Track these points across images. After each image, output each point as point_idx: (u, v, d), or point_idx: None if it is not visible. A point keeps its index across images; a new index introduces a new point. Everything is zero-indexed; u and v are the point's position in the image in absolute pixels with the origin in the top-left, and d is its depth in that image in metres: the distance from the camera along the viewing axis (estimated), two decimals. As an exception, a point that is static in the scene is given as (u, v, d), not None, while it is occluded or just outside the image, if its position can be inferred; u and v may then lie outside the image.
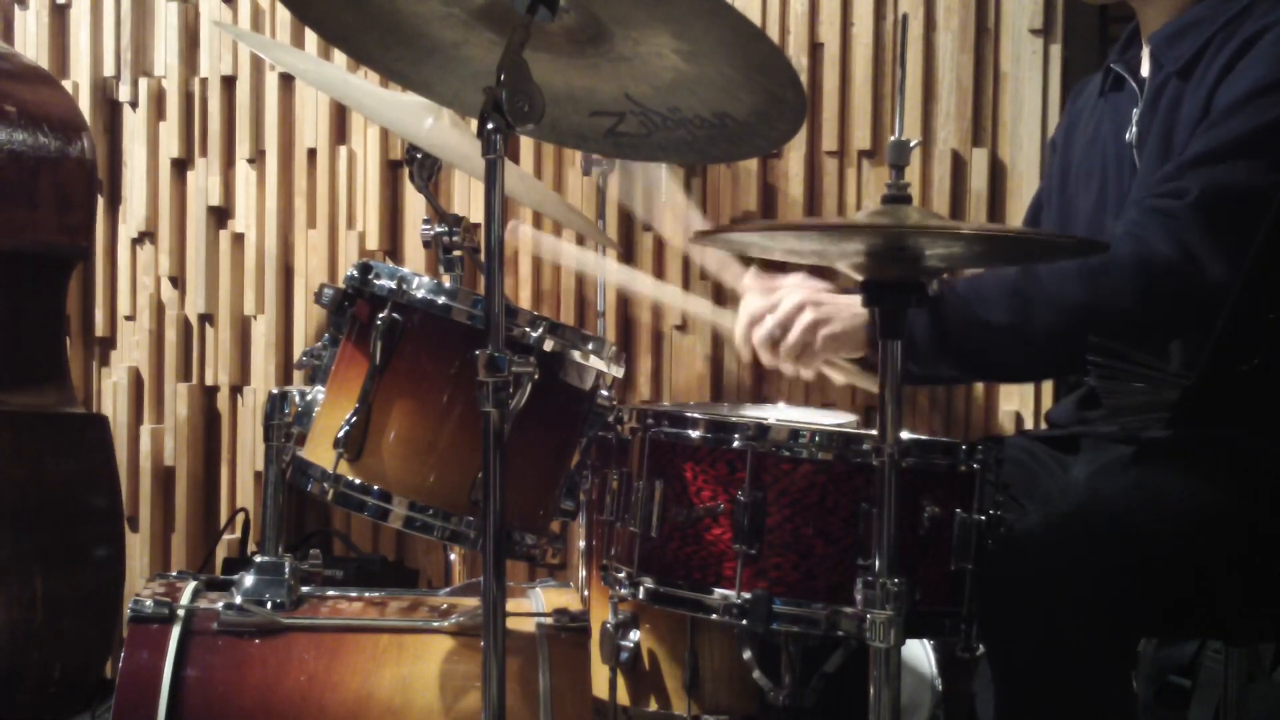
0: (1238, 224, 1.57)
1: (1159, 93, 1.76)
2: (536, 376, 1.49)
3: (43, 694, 2.53)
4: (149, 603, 1.68)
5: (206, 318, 3.00)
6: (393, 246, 2.88)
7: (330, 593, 1.83)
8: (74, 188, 2.62)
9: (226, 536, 2.90)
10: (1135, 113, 1.80)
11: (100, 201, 3.03)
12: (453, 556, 2.41)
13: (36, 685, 2.52)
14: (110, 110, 3.05)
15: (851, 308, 1.73)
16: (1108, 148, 1.86)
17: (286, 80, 2.92)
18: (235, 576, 1.77)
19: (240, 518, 2.90)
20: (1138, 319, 1.63)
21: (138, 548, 3.02)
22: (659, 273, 2.71)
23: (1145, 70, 1.83)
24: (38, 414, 2.59)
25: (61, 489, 2.59)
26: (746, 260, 2.10)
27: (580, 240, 2.73)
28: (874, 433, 1.40)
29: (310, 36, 2.83)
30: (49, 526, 2.55)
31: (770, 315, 1.77)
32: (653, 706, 1.94)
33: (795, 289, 1.78)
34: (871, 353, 1.77)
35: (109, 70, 3.03)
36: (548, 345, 1.66)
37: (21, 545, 2.49)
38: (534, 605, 1.81)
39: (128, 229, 3.03)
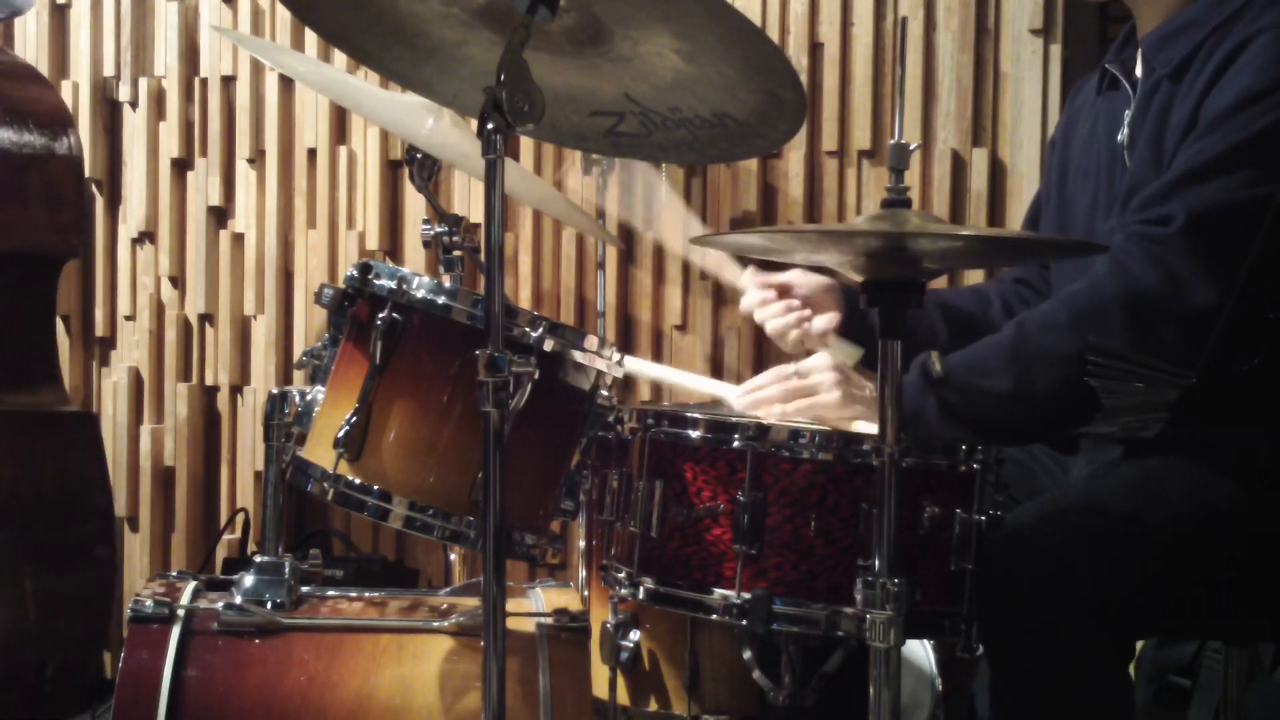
0: (1225, 245, 1.56)
1: (1150, 95, 1.76)
2: (536, 376, 1.49)
3: (37, 693, 2.53)
4: (149, 603, 1.67)
5: (206, 318, 3.00)
6: (393, 246, 2.88)
7: (330, 593, 1.82)
8: (64, 185, 2.62)
9: (226, 536, 2.91)
10: (1127, 114, 1.80)
11: (100, 201, 3.04)
12: (453, 556, 2.41)
13: (31, 685, 2.52)
14: (110, 110, 3.05)
15: (870, 390, 1.71)
16: (1102, 147, 1.86)
17: (286, 80, 2.92)
18: (235, 576, 1.77)
19: (240, 518, 2.90)
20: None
21: (138, 548, 3.03)
22: (659, 272, 2.71)
23: (1139, 71, 1.83)
24: (30, 413, 2.59)
25: (53, 488, 2.60)
26: (744, 260, 2.10)
27: (581, 239, 2.74)
28: (874, 432, 1.41)
29: (310, 37, 2.83)
30: (41, 525, 2.55)
31: (800, 365, 1.75)
32: (653, 706, 1.94)
33: (833, 366, 1.74)
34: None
35: (109, 70, 3.03)
36: (548, 345, 1.66)
37: (13, 544, 2.49)
38: (534, 605, 1.81)
39: (128, 229, 3.04)
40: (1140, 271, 1.60)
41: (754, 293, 2.01)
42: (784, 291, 2.00)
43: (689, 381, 2.13)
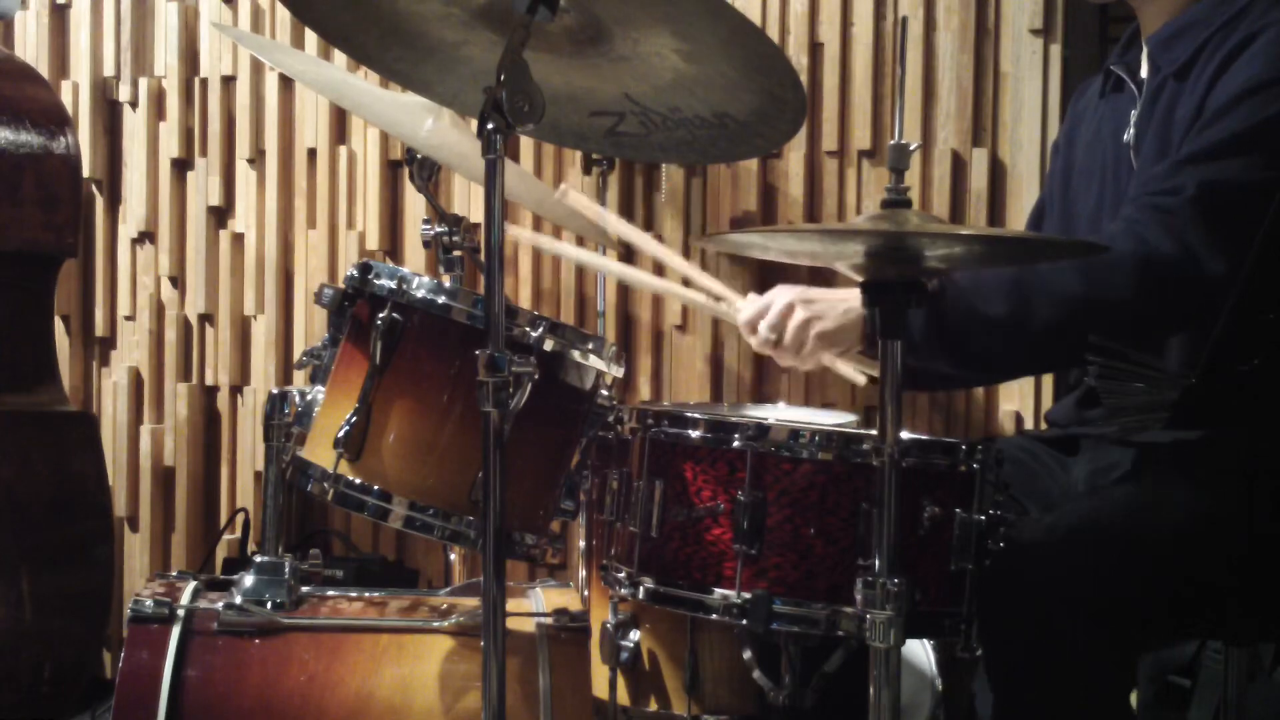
0: (1234, 220, 1.57)
1: (1156, 95, 1.76)
2: (536, 376, 1.49)
3: (34, 693, 2.53)
4: (149, 603, 1.68)
5: (206, 318, 3.00)
6: (393, 246, 2.88)
7: (330, 593, 1.83)
8: (59, 185, 2.61)
9: (226, 536, 2.90)
10: (1133, 114, 1.80)
11: (100, 201, 3.03)
12: (453, 556, 2.41)
13: (28, 685, 2.52)
14: (110, 110, 3.05)
15: (843, 304, 1.73)
16: (1106, 149, 1.86)
17: (286, 80, 2.92)
18: (235, 576, 1.77)
19: (240, 518, 2.90)
20: (1135, 312, 1.63)
21: (138, 548, 3.02)
22: (659, 273, 2.70)
23: (1144, 72, 1.83)
24: (26, 413, 2.58)
25: (50, 487, 2.59)
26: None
27: (580, 241, 2.74)
28: (874, 433, 1.41)
29: (310, 37, 2.83)
30: (37, 525, 2.55)
31: (763, 320, 1.78)
32: (653, 706, 1.94)
33: (786, 289, 1.78)
34: (867, 345, 1.78)
35: (109, 70, 3.03)
36: (548, 345, 1.66)
37: (9, 544, 2.48)
38: (534, 605, 1.81)
39: (128, 229, 3.03)
40: (1154, 238, 1.61)
41: (744, 315, 2.01)
42: None
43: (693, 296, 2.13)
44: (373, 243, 2.86)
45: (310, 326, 2.91)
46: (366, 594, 1.85)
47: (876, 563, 1.36)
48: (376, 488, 1.67)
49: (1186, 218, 1.60)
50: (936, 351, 1.67)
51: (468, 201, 2.81)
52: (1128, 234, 1.63)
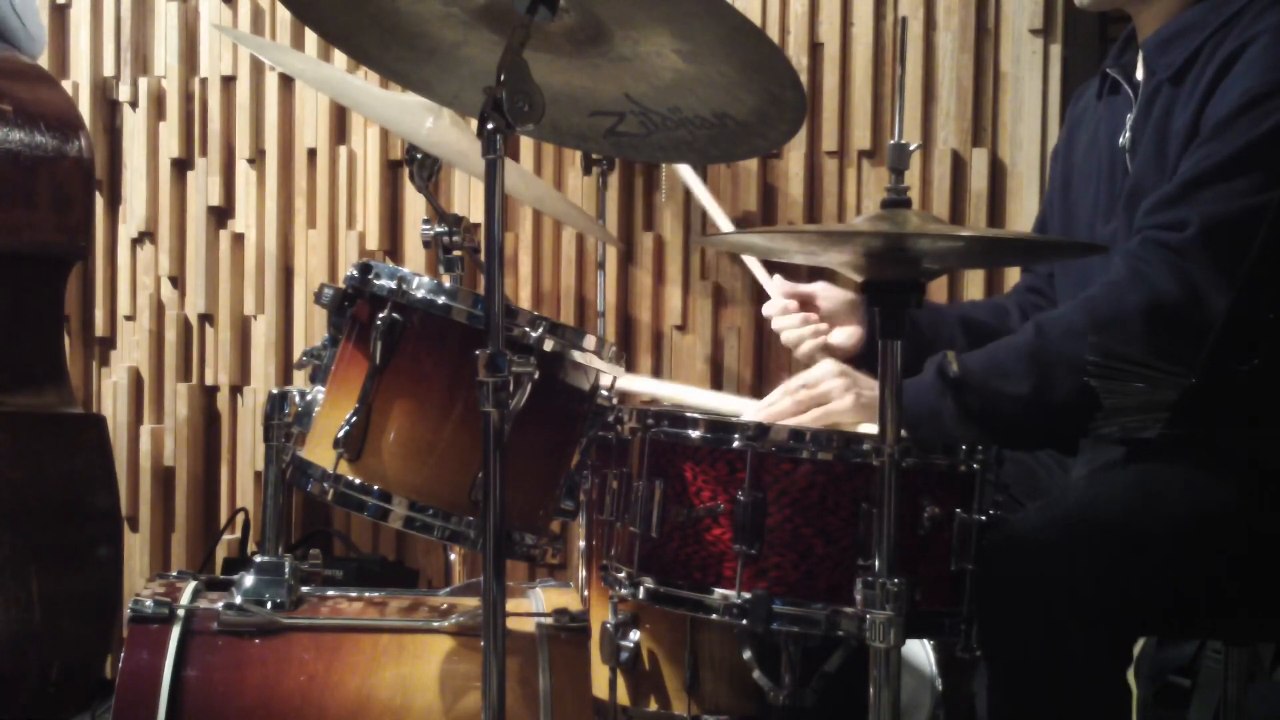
0: (1240, 250, 1.57)
1: (1152, 99, 1.76)
2: (536, 376, 1.48)
3: (41, 694, 2.53)
4: (149, 603, 1.68)
5: (206, 318, 3.00)
6: (393, 246, 2.88)
7: (330, 593, 1.82)
8: (72, 187, 2.61)
9: (226, 536, 2.91)
10: (1129, 118, 1.81)
11: (100, 201, 3.04)
12: (453, 556, 2.41)
13: (35, 686, 2.52)
14: (110, 110, 3.05)
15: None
16: (1103, 151, 1.86)
17: (286, 80, 2.92)
18: (235, 576, 1.77)
19: (240, 518, 2.90)
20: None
21: (138, 548, 3.02)
22: (659, 272, 2.71)
23: (1139, 74, 1.83)
24: (36, 415, 2.58)
25: (59, 490, 2.59)
26: (770, 266, 2.11)
27: (581, 239, 2.74)
28: (874, 432, 1.41)
29: (310, 37, 2.84)
30: (47, 527, 2.55)
31: (803, 374, 1.76)
32: (653, 706, 1.94)
33: (840, 371, 1.74)
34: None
35: (109, 70, 3.03)
36: (548, 345, 1.66)
37: (19, 546, 2.48)
38: (534, 605, 1.81)
39: (128, 229, 3.04)
40: (1160, 280, 1.62)
41: (777, 300, 2.02)
42: (807, 302, 2.00)
43: (704, 399, 2.12)
44: (373, 243, 2.86)
45: (310, 326, 2.91)
46: (366, 594, 1.85)
47: (876, 563, 1.36)
48: (376, 488, 1.67)
49: (1192, 255, 1.61)
50: (973, 435, 1.67)
51: (468, 201, 2.81)
52: (1134, 280, 1.64)
